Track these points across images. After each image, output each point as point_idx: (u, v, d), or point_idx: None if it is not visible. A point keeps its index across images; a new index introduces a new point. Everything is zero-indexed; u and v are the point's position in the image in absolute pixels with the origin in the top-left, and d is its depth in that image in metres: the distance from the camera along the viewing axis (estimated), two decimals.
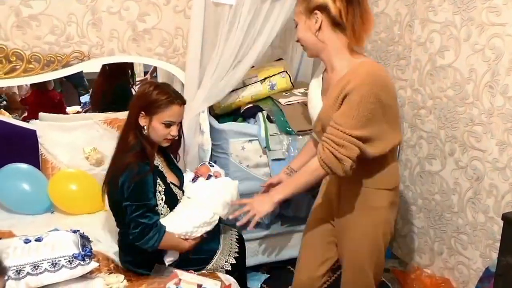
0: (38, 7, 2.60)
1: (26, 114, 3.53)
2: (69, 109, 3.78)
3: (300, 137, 2.69)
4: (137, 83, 3.73)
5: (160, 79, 3.03)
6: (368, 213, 1.92)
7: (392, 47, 2.92)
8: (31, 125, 2.71)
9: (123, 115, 2.77)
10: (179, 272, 1.98)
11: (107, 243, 2.25)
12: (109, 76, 3.36)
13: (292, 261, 2.97)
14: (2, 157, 2.57)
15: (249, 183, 2.68)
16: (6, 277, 1.33)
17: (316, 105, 1.96)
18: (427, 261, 2.83)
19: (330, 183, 2.05)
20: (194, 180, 2.33)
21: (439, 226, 2.70)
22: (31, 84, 3.43)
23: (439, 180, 2.66)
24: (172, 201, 2.13)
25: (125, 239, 2.09)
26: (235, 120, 2.80)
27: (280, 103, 2.76)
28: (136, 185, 1.95)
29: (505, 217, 1.88)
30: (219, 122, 2.75)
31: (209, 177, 2.34)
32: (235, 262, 2.24)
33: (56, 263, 1.83)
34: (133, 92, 3.52)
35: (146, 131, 2.04)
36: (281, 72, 2.85)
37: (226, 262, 2.22)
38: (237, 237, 2.39)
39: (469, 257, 2.53)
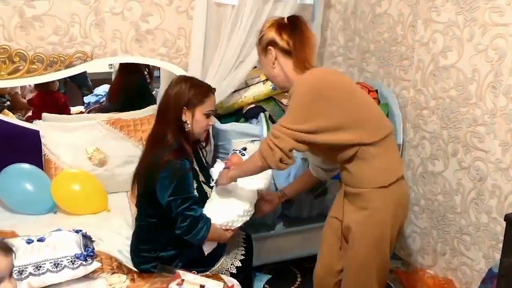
0: (41, 8, 2.61)
1: (29, 114, 3.53)
2: (72, 109, 3.79)
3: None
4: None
5: (162, 80, 3.03)
6: (365, 214, 1.91)
7: (395, 47, 2.91)
8: (34, 125, 2.72)
9: (126, 115, 2.81)
10: (181, 272, 1.98)
11: (110, 243, 2.25)
12: (129, 74, 3.36)
13: (295, 262, 2.99)
14: (5, 157, 2.57)
15: (251, 183, 2.67)
16: (13, 255, 1.36)
17: None
18: (430, 262, 2.82)
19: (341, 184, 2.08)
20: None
21: (442, 226, 2.70)
22: (35, 86, 3.45)
23: (442, 180, 2.66)
24: (203, 199, 2.15)
25: (142, 232, 2.15)
26: (237, 121, 2.81)
27: (282, 103, 2.76)
28: (179, 180, 1.99)
29: (508, 218, 1.87)
30: (221, 123, 2.75)
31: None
32: (240, 265, 2.24)
33: (58, 264, 1.83)
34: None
35: (189, 125, 2.08)
36: None
37: (231, 264, 2.22)
38: (244, 237, 2.39)
39: (472, 258, 2.52)
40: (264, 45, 1.95)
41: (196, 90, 2.07)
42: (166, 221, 2.09)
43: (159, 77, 3.27)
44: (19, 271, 1.78)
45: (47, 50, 2.67)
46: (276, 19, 1.97)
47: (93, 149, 2.65)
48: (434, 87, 2.64)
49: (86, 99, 3.95)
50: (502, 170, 2.29)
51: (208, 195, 2.20)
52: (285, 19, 1.95)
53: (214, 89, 2.17)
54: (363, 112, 1.87)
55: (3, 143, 2.64)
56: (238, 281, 2.12)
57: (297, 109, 1.82)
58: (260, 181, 2.22)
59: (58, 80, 3.46)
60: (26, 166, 2.54)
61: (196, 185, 2.12)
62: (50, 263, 1.83)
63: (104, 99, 3.83)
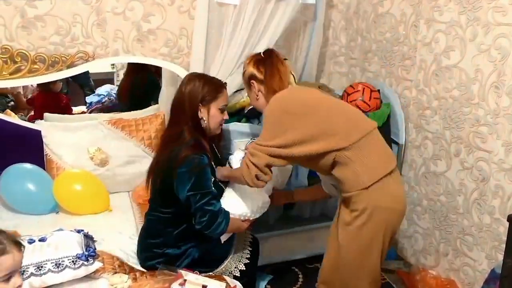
0: (43, 8, 2.61)
1: (31, 114, 3.53)
2: (75, 109, 3.78)
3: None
4: None
5: (164, 80, 3.03)
6: (356, 216, 1.94)
7: (397, 47, 2.90)
8: (36, 125, 2.72)
9: (128, 115, 2.80)
10: (184, 272, 1.97)
11: (111, 243, 2.24)
12: (138, 73, 3.35)
13: (296, 262, 2.98)
14: (7, 157, 2.58)
15: None
16: (23, 250, 1.41)
17: None
18: (432, 262, 2.81)
19: None
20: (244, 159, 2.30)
21: (444, 227, 2.69)
22: (38, 86, 3.44)
23: (444, 181, 2.65)
24: (219, 194, 2.16)
25: (153, 226, 2.17)
26: (239, 121, 2.80)
27: None
28: (198, 175, 2.01)
29: (510, 218, 1.86)
30: None
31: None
32: (244, 268, 2.24)
33: (59, 264, 1.83)
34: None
35: (205, 122, 2.11)
36: None
37: (235, 267, 2.22)
38: (251, 240, 2.40)
39: (474, 258, 2.51)
40: (247, 80, 2.16)
41: (209, 86, 2.10)
42: (179, 218, 2.12)
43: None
44: (20, 271, 1.77)
45: (49, 50, 2.68)
46: (254, 55, 2.19)
47: (95, 149, 2.65)
48: (436, 87, 2.63)
49: (88, 99, 3.94)
50: (505, 171, 2.28)
51: (224, 189, 2.22)
52: (261, 53, 2.16)
53: (226, 83, 2.21)
54: (329, 121, 1.95)
55: (5, 143, 2.64)
56: (241, 284, 2.11)
57: (266, 128, 1.98)
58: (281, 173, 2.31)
59: (61, 80, 3.46)
60: (28, 166, 2.54)
61: (213, 180, 2.12)
62: (51, 263, 1.83)
63: (106, 99, 3.83)
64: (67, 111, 3.48)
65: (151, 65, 3.02)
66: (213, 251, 2.20)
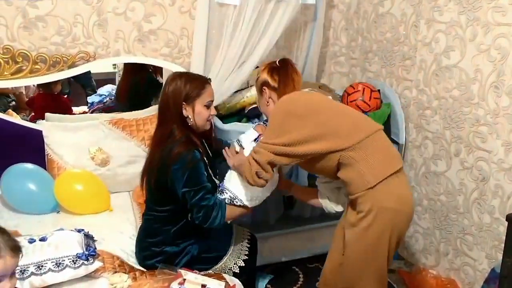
0: (44, 8, 2.62)
1: (33, 114, 3.53)
2: (76, 109, 3.79)
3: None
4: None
5: (165, 80, 3.03)
6: (362, 216, 1.93)
7: (397, 47, 2.91)
8: (37, 125, 2.73)
9: (128, 115, 2.81)
10: (183, 272, 1.98)
11: (112, 243, 2.25)
12: (135, 73, 3.35)
13: (297, 262, 2.99)
14: (9, 157, 2.58)
15: None
16: (21, 255, 1.37)
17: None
18: (433, 262, 2.81)
19: None
20: (256, 140, 2.27)
21: (444, 227, 2.69)
22: (38, 87, 3.45)
23: (444, 180, 2.65)
24: (213, 187, 2.17)
25: (150, 225, 2.18)
26: (239, 121, 2.81)
27: None
28: (191, 171, 2.02)
29: (509, 218, 1.87)
30: (223, 123, 2.75)
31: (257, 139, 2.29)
32: (243, 265, 2.25)
33: (60, 263, 1.84)
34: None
35: (191, 120, 2.10)
36: None
37: (234, 264, 2.23)
38: (249, 237, 2.40)
39: (474, 258, 2.51)
40: (260, 86, 2.19)
41: (191, 84, 2.09)
42: (176, 215, 2.13)
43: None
44: (21, 271, 1.78)
45: (50, 50, 2.69)
46: (269, 63, 2.21)
47: (96, 149, 2.66)
48: (436, 87, 2.64)
49: (90, 99, 3.95)
50: (505, 170, 2.28)
51: (218, 185, 2.22)
52: (277, 62, 2.18)
53: (210, 79, 2.19)
54: (333, 122, 1.96)
55: (7, 143, 2.65)
56: (241, 281, 2.13)
57: (271, 128, 2.01)
58: None
59: (62, 80, 3.47)
60: (29, 166, 2.55)
61: (207, 175, 2.12)
62: (52, 262, 1.84)
63: (107, 99, 3.84)
64: (67, 112, 3.49)
65: (149, 65, 3.03)
66: (211, 248, 2.21)
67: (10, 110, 3.41)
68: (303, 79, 3.11)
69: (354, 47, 3.35)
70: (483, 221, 2.43)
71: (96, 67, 2.86)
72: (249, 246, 2.35)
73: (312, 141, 1.92)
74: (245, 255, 2.29)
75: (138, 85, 3.39)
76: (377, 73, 3.14)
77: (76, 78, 3.20)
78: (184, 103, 2.08)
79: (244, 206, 2.14)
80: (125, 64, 3.27)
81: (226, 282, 2.04)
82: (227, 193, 2.13)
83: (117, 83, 3.73)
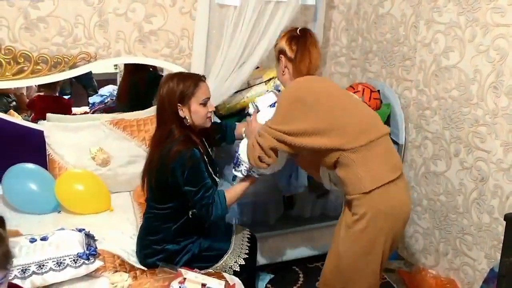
0: (45, 9, 2.64)
1: (33, 115, 3.55)
2: (78, 109, 3.80)
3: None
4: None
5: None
6: (358, 219, 1.93)
7: (397, 47, 2.92)
8: (39, 125, 2.74)
9: (129, 115, 2.82)
10: (183, 271, 1.99)
11: (112, 242, 2.26)
12: (135, 73, 3.36)
13: (297, 261, 2.99)
14: (10, 157, 2.60)
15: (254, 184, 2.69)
16: (9, 266, 1.32)
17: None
18: (432, 262, 2.82)
19: None
20: (272, 105, 2.25)
21: (444, 227, 2.70)
22: (38, 88, 3.47)
23: (444, 180, 2.66)
24: (214, 184, 2.18)
25: (151, 223, 2.20)
26: (239, 121, 2.81)
27: None
28: (190, 170, 2.03)
29: (508, 218, 1.87)
30: None
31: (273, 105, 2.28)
32: (244, 263, 2.26)
33: (61, 262, 1.86)
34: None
35: (189, 119, 2.10)
36: None
37: (235, 262, 2.24)
38: (249, 236, 2.41)
39: (474, 258, 2.52)
40: (277, 54, 2.13)
41: (184, 84, 2.08)
42: (176, 213, 2.15)
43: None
44: (22, 270, 1.80)
45: (52, 51, 2.70)
46: (290, 30, 2.14)
47: (97, 149, 2.67)
48: (436, 87, 2.64)
49: (91, 99, 3.96)
50: (504, 171, 2.29)
51: (218, 183, 2.24)
52: (297, 31, 2.10)
53: (204, 76, 2.18)
54: (341, 118, 1.91)
55: (8, 143, 2.66)
56: (241, 280, 2.14)
57: (278, 112, 1.97)
58: None
59: (64, 81, 3.48)
60: (30, 165, 2.56)
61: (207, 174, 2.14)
62: (53, 261, 1.85)
63: (108, 99, 3.85)
64: (67, 113, 3.50)
65: (148, 64, 3.03)
66: (212, 247, 2.22)
67: (11, 111, 3.43)
68: None
69: (354, 47, 3.36)
70: (482, 221, 2.44)
71: (97, 67, 2.87)
72: (249, 245, 2.36)
73: (315, 134, 1.89)
74: (246, 253, 2.30)
75: (138, 85, 3.40)
76: (377, 73, 3.15)
77: (77, 78, 3.22)
78: (179, 104, 2.08)
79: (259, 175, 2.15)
80: (125, 65, 3.29)
81: (226, 281, 2.05)
82: (242, 164, 2.13)
83: (118, 83, 3.75)
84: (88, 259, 1.91)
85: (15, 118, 2.99)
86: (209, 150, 2.34)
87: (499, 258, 1.99)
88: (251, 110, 2.23)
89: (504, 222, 1.94)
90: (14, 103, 3.63)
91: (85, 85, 4.04)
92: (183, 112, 2.09)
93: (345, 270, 2.03)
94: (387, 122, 2.87)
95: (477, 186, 2.44)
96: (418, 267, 2.89)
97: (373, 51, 3.16)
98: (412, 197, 2.91)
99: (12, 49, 2.59)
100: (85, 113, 3.77)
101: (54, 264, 1.84)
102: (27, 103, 3.58)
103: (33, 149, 2.66)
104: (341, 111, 1.93)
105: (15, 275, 1.77)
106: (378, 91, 2.94)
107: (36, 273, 1.81)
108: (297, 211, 3.02)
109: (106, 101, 3.87)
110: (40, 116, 3.10)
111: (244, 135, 2.23)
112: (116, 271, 2.01)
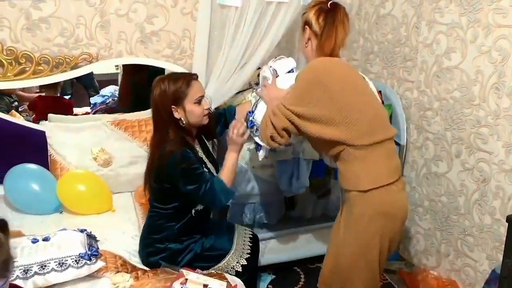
0: (47, 10, 2.64)
1: (34, 115, 3.56)
2: (79, 110, 3.81)
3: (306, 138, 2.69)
4: None
5: None
6: (351, 218, 1.92)
7: (398, 48, 2.92)
8: (40, 126, 2.75)
9: (130, 116, 2.82)
10: (185, 271, 1.99)
11: (114, 243, 2.27)
12: (135, 73, 3.36)
13: (298, 262, 3.00)
14: (12, 157, 2.60)
15: (255, 184, 2.70)
16: (6, 278, 1.32)
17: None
18: (434, 263, 2.82)
19: None
20: (291, 71, 2.22)
21: (445, 228, 2.70)
22: (39, 88, 3.47)
23: (445, 181, 2.66)
24: (211, 175, 2.18)
25: (154, 221, 2.20)
26: None
27: None
28: (184, 169, 2.02)
29: (510, 219, 1.87)
30: None
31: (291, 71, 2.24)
32: (246, 263, 2.26)
33: (63, 263, 1.86)
34: None
35: (185, 120, 2.09)
36: None
37: (237, 263, 2.24)
38: (251, 236, 2.41)
39: (475, 259, 2.52)
40: (303, 23, 2.03)
41: (175, 85, 2.06)
42: (179, 213, 2.15)
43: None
44: (24, 270, 1.80)
45: (53, 52, 2.70)
46: (320, 1, 2.02)
47: (98, 149, 2.68)
48: (437, 88, 2.64)
49: (93, 99, 3.97)
50: (506, 172, 2.29)
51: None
52: (328, 4, 1.99)
53: (195, 74, 2.16)
54: (355, 113, 1.85)
55: (10, 143, 2.67)
56: (242, 280, 2.14)
57: (295, 92, 1.91)
58: None
59: (65, 81, 3.48)
60: (32, 166, 2.57)
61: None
62: (55, 262, 1.85)
63: (110, 100, 3.86)
64: (68, 113, 3.50)
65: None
66: (214, 247, 2.23)
67: (13, 111, 3.44)
68: None
69: (356, 48, 3.36)
70: (484, 222, 2.44)
71: (99, 68, 2.88)
72: (251, 245, 2.36)
73: (326, 123, 1.84)
74: (248, 253, 2.30)
75: (138, 86, 3.40)
76: (378, 74, 3.15)
77: (78, 79, 3.22)
78: (173, 106, 2.06)
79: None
80: (124, 66, 3.28)
81: (228, 282, 2.05)
82: (256, 125, 2.11)
83: (119, 84, 3.75)
84: (90, 259, 1.91)
85: (17, 118, 3.00)
86: (210, 148, 2.34)
87: (501, 259, 2.00)
88: (267, 73, 2.17)
89: (506, 223, 1.94)
90: (16, 103, 3.64)
91: (86, 85, 4.05)
92: (178, 113, 2.08)
93: (344, 270, 2.02)
94: None
95: (479, 187, 2.44)
96: (419, 268, 2.89)
97: (375, 52, 3.16)
98: (413, 198, 2.91)
99: (14, 50, 2.59)
100: (87, 113, 3.78)
101: (56, 265, 1.85)
102: (29, 105, 3.59)
103: (35, 149, 2.66)
104: (357, 106, 1.87)
105: (17, 275, 1.77)
106: (380, 92, 2.94)
107: (38, 273, 1.81)
108: (299, 212, 3.02)
109: (107, 101, 3.88)
110: (41, 117, 3.11)
111: (256, 98, 2.18)
112: (118, 272, 2.01)
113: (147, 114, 2.85)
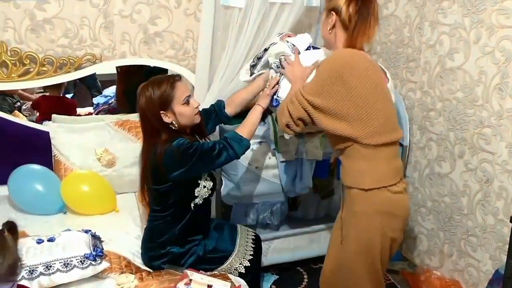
0: (51, 11, 2.65)
1: (37, 115, 3.56)
2: (82, 110, 3.82)
3: (309, 139, 2.70)
4: None
5: None
6: (352, 217, 1.92)
7: (401, 49, 2.92)
8: (44, 126, 2.76)
9: (134, 116, 2.82)
10: (189, 272, 2.00)
11: (118, 243, 2.28)
12: (129, 74, 3.36)
13: (301, 262, 3.00)
14: (16, 158, 2.62)
15: (258, 185, 2.70)
16: (13, 282, 1.32)
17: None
18: (437, 263, 2.82)
19: None
20: (308, 48, 2.18)
21: (448, 228, 2.70)
22: (42, 89, 3.48)
23: (448, 182, 2.66)
24: (212, 176, 2.20)
25: (155, 226, 2.18)
26: None
27: None
28: (181, 152, 1.98)
29: None
30: (228, 124, 2.76)
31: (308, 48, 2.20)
32: (249, 264, 2.26)
33: (68, 263, 1.86)
34: None
35: (176, 123, 2.06)
36: None
37: (240, 264, 2.25)
38: (253, 238, 2.42)
39: (479, 259, 2.52)
40: (329, 8, 1.92)
41: (160, 89, 2.03)
42: (179, 216, 2.15)
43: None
44: (29, 271, 1.81)
45: (57, 53, 2.71)
46: None
47: (102, 150, 2.69)
48: (440, 88, 2.65)
49: (95, 100, 3.98)
50: (509, 172, 2.29)
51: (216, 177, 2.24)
52: None
53: (178, 75, 2.14)
54: (370, 112, 1.81)
55: (14, 144, 2.68)
56: (245, 281, 2.14)
57: (316, 81, 1.85)
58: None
59: (68, 82, 3.49)
60: (36, 167, 2.58)
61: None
62: (60, 263, 1.86)
63: (112, 100, 3.86)
64: (72, 113, 3.51)
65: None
66: (217, 249, 2.23)
67: (16, 111, 3.45)
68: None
69: None
70: (487, 223, 2.44)
71: (102, 69, 2.88)
72: (253, 246, 2.37)
73: (339, 118, 1.81)
74: (250, 255, 2.31)
75: (133, 87, 3.40)
76: None
77: (81, 79, 3.23)
78: (162, 111, 2.03)
79: None
80: (117, 69, 3.27)
81: (232, 282, 2.05)
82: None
83: (116, 85, 3.75)
84: (95, 260, 1.92)
85: (20, 119, 3.01)
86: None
87: (504, 259, 2.00)
88: (284, 49, 2.11)
89: (509, 224, 1.94)
90: (18, 103, 3.65)
91: (89, 86, 4.06)
92: (168, 118, 2.05)
93: (345, 270, 2.01)
94: None
95: (482, 187, 2.44)
96: (422, 268, 2.89)
97: (377, 52, 3.16)
98: (416, 199, 2.91)
99: (18, 51, 2.61)
100: (89, 114, 3.79)
101: (61, 265, 1.85)
102: (32, 104, 3.59)
103: (39, 150, 2.68)
104: (374, 105, 1.82)
105: (22, 276, 1.78)
106: None
107: (44, 274, 1.82)
108: (302, 212, 3.03)
109: (110, 102, 3.88)
110: (44, 117, 3.12)
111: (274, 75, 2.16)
112: (122, 272, 2.02)
113: None
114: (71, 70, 2.72)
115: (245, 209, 2.79)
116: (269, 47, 2.22)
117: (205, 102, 2.68)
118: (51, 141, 2.67)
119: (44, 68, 2.67)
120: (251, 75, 2.33)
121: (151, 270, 2.15)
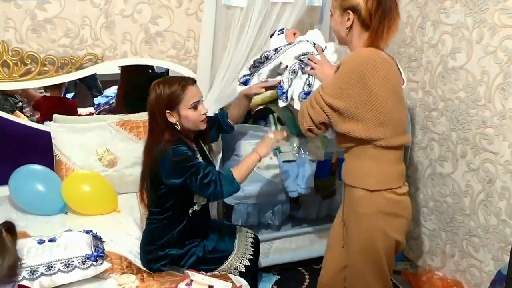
0: (52, 11, 2.65)
1: (38, 116, 3.57)
2: (82, 110, 3.83)
3: (310, 139, 2.70)
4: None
5: None
6: (356, 218, 1.89)
7: (403, 48, 2.91)
8: (45, 126, 2.76)
9: (135, 116, 2.82)
10: (190, 273, 2.00)
11: (120, 244, 2.27)
12: (132, 74, 3.36)
13: (303, 263, 3.00)
14: (17, 158, 2.61)
15: (260, 185, 2.69)
16: (13, 283, 1.31)
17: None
18: (439, 264, 2.82)
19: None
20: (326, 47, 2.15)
21: (450, 228, 2.69)
22: (43, 89, 3.48)
23: (450, 182, 2.65)
24: (208, 163, 2.18)
25: (153, 229, 2.18)
26: (245, 122, 2.81)
27: (291, 105, 2.76)
28: (178, 162, 1.99)
29: None
30: None
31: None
32: (249, 264, 2.26)
33: (69, 264, 1.86)
34: None
35: (179, 125, 2.07)
36: None
37: (240, 263, 2.24)
38: (252, 239, 2.41)
39: (481, 259, 2.52)
40: (346, 6, 1.80)
41: (170, 89, 2.04)
42: (177, 218, 2.14)
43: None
44: (31, 271, 1.80)
45: (58, 52, 2.71)
46: None
47: (103, 150, 2.68)
48: (443, 88, 2.64)
49: (96, 100, 3.98)
50: (511, 172, 2.28)
51: None
52: None
53: (193, 79, 2.14)
54: (385, 115, 1.77)
55: (15, 144, 2.68)
56: (246, 280, 2.14)
57: (337, 83, 1.75)
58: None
59: (68, 82, 3.49)
60: (37, 167, 2.58)
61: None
62: (61, 263, 1.86)
63: (113, 100, 3.87)
64: (73, 114, 3.51)
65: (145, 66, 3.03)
66: (216, 249, 2.23)
67: (17, 111, 3.45)
68: None
69: None
70: (490, 223, 2.43)
71: (104, 69, 2.88)
72: (252, 245, 2.37)
73: (355, 120, 1.75)
74: (250, 254, 2.31)
75: (140, 87, 3.39)
76: None
77: (82, 79, 3.23)
78: (168, 110, 2.05)
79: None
80: (123, 67, 3.27)
81: (233, 282, 2.05)
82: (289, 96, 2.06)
83: (118, 85, 3.74)
84: (96, 260, 1.91)
85: (21, 119, 3.01)
86: (207, 152, 2.32)
87: (506, 260, 2.00)
88: (308, 48, 2.04)
89: None
90: (20, 103, 3.65)
91: (90, 86, 4.06)
92: (173, 118, 2.06)
93: (349, 271, 2.00)
94: None
95: (484, 187, 2.44)
96: (425, 268, 2.89)
97: None
98: (418, 199, 2.91)
99: (19, 51, 2.60)
100: (90, 114, 3.79)
101: (63, 266, 1.85)
102: (33, 105, 3.60)
103: (40, 150, 2.68)
104: (391, 109, 1.77)
105: (23, 276, 1.77)
106: None
107: (45, 274, 1.81)
108: (303, 213, 3.02)
109: (111, 102, 3.89)
110: (46, 117, 3.12)
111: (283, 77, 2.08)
112: (124, 273, 2.02)
113: None
114: (72, 70, 2.72)
115: (247, 210, 2.78)
116: (280, 49, 2.11)
117: (206, 102, 2.67)
118: (52, 141, 2.67)
119: (45, 68, 2.66)
120: (245, 83, 2.27)
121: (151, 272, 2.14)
